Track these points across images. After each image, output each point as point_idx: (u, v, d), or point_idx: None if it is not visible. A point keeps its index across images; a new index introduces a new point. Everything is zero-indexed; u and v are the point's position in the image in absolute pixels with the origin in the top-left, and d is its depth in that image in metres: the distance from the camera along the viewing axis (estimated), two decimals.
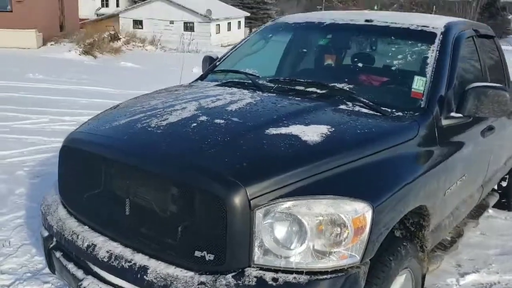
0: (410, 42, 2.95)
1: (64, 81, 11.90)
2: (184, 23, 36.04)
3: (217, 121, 2.21)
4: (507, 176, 4.50)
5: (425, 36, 2.90)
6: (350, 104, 2.53)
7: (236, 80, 3.03)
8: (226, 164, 1.88)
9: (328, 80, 2.85)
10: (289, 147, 1.99)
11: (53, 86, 10.95)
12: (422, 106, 2.54)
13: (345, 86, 2.69)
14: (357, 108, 2.49)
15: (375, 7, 35.49)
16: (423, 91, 2.60)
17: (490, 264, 3.60)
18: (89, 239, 2.10)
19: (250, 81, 2.88)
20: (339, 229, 1.82)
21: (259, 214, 1.78)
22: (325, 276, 1.79)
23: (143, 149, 2.04)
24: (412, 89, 2.63)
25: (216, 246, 1.79)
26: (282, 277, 1.77)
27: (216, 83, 3.08)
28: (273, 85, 2.81)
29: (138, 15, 38.01)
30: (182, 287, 1.80)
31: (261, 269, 1.80)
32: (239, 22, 43.33)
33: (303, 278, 1.77)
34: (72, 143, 2.27)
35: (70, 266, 2.19)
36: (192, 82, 3.33)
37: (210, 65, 3.51)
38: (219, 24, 38.05)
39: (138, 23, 37.81)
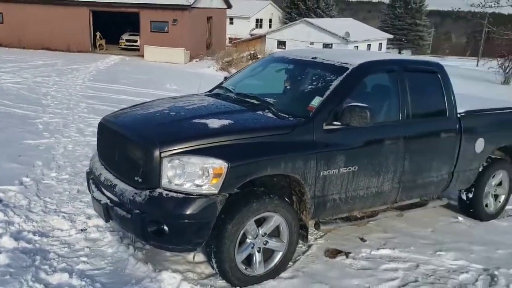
0: (329, 73, 4.25)
1: (191, 91, 14.50)
2: (323, 44, 37.94)
3: (171, 113, 3.93)
4: (473, 189, 5.31)
5: (340, 70, 4.20)
6: (266, 110, 4.00)
7: (219, 92, 4.71)
8: (154, 134, 3.56)
9: (273, 95, 4.37)
10: (194, 129, 3.60)
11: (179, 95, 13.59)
12: (309, 116, 3.87)
13: (271, 100, 4.17)
14: (266, 113, 3.95)
15: None
16: (316, 106, 3.93)
17: (409, 247, 4.59)
18: (100, 171, 3.95)
19: (222, 93, 4.54)
20: (206, 173, 3.35)
21: (165, 161, 3.40)
22: (193, 197, 3.34)
23: (125, 125, 3.85)
24: (310, 104, 3.98)
25: (144, 175, 3.46)
26: (170, 194, 3.36)
27: (209, 94, 4.79)
28: (234, 96, 4.42)
29: (282, 36, 41.13)
30: (128, 194, 3.51)
31: (164, 189, 3.40)
32: (380, 44, 43.75)
33: (181, 195, 3.35)
34: (102, 120, 4.16)
35: (93, 186, 4.07)
36: (205, 92, 5.04)
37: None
38: (357, 46, 39.15)
39: (282, 44, 40.88)
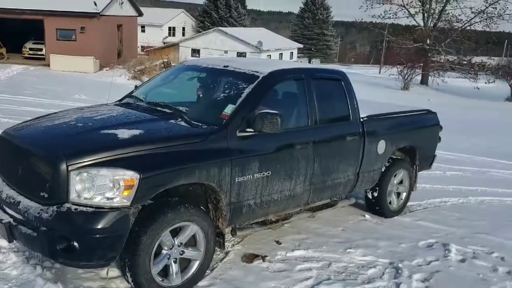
0: (240, 81, 4.34)
1: (101, 101, 14.01)
2: (237, 53, 38.45)
3: (78, 124, 3.78)
4: (378, 188, 5.67)
5: (251, 78, 4.30)
6: (178, 119, 3.98)
7: (129, 102, 4.61)
8: (60, 146, 3.41)
9: (185, 104, 4.36)
10: (103, 140, 3.50)
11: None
12: (223, 123, 3.92)
13: (183, 109, 4.17)
14: (178, 122, 3.93)
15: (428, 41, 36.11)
16: (228, 114, 3.99)
17: (322, 247, 4.79)
18: (1, 188, 3.69)
19: (132, 102, 4.46)
20: (116, 185, 3.26)
21: (73, 174, 3.26)
22: (104, 210, 3.24)
23: (28, 138, 3.65)
24: (223, 112, 4.03)
25: (50, 190, 3.29)
26: (80, 208, 3.23)
27: (118, 103, 4.67)
28: (145, 105, 4.35)
29: (195, 45, 41.09)
30: (33, 211, 3.32)
31: (73, 204, 3.26)
32: (292, 53, 45.26)
33: (91, 209, 3.23)
34: (3, 134, 3.90)
35: None
36: (115, 101, 4.90)
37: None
38: (270, 55, 40.14)
39: (196, 52, 40.81)
